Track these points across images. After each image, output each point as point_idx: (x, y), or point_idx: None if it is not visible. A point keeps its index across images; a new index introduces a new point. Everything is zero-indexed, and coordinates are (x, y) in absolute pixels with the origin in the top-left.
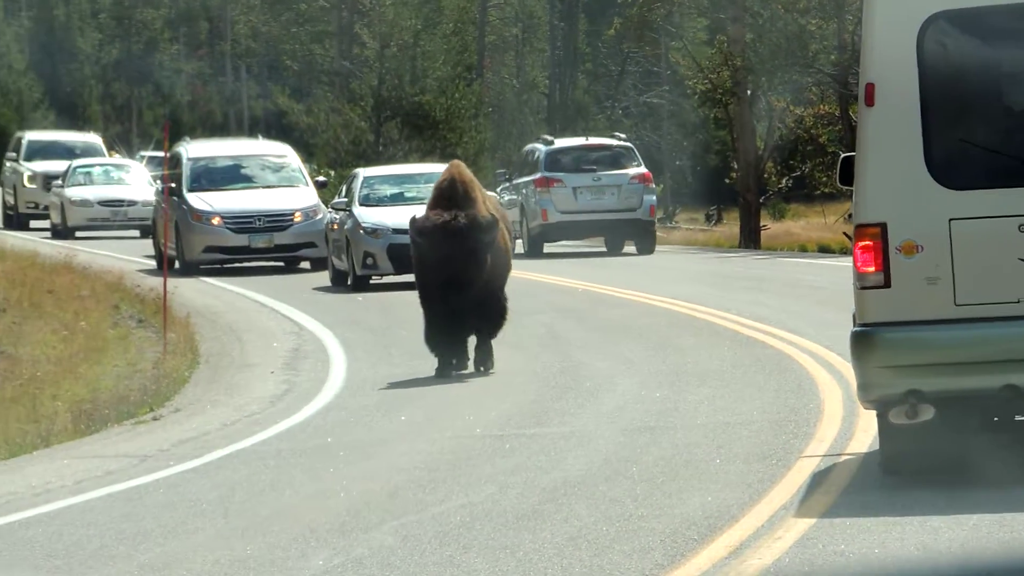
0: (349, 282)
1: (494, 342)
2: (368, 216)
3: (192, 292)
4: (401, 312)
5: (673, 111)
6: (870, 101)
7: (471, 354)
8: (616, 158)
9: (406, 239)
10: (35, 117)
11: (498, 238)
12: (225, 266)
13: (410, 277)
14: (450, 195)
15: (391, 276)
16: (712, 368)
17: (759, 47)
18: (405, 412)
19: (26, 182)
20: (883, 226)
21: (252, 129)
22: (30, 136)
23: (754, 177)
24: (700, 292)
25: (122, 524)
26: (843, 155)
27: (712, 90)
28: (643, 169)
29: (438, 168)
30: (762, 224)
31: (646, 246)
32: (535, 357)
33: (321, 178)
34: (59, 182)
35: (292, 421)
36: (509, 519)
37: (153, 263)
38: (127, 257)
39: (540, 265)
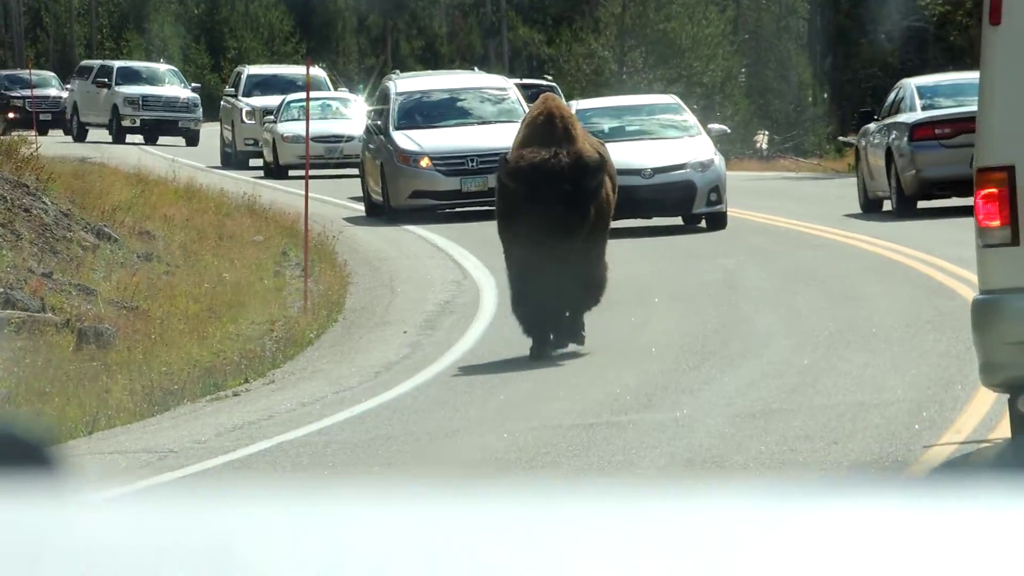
0: None
1: (660, 296)
2: None
3: (368, 235)
4: None
5: (940, 35)
6: (996, 18)
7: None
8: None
9: (622, 180)
10: (285, 50)
11: (604, 188)
12: (437, 212)
13: (629, 223)
14: (547, 132)
15: None
16: (883, 325)
17: None
18: (508, 390)
19: (244, 118)
20: (1010, 170)
21: (512, 62)
22: (250, 70)
23: None
24: (909, 231)
25: None
26: None
27: (952, 12)
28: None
29: (662, 99)
30: None
31: None
32: (696, 312)
33: None
34: (271, 117)
35: (378, 400)
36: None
37: (358, 206)
38: (330, 199)
39: (743, 201)
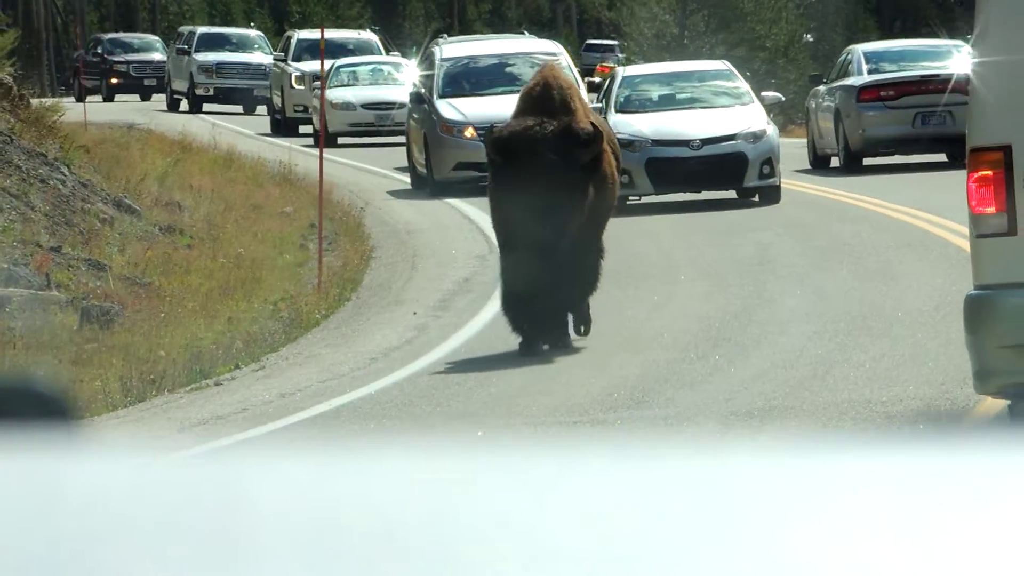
0: None
1: (690, 271)
2: (624, 125)
3: (402, 207)
4: (629, 242)
5: None
6: None
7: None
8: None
9: (668, 152)
10: (350, 15)
11: (602, 164)
12: (482, 184)
13: (676, 197)
14: (542, 103)
15: (651, 196)
16: (911, 308)
17: None
18: (502, 382)
19: (293, 83)
20: (1007, 150)
21: (581, 26)
22: (300, 34)
23: None
24: (958, 202)
25: None
26: None
27: None
28: None
29: (713, 65)
30: None
31: None
32: (720, 292)
33: (596, 78)
34: (319, 83)
35: (362, 392)
36: None
37: (403, 177)
38: (376, 169)
39: (792, 170)
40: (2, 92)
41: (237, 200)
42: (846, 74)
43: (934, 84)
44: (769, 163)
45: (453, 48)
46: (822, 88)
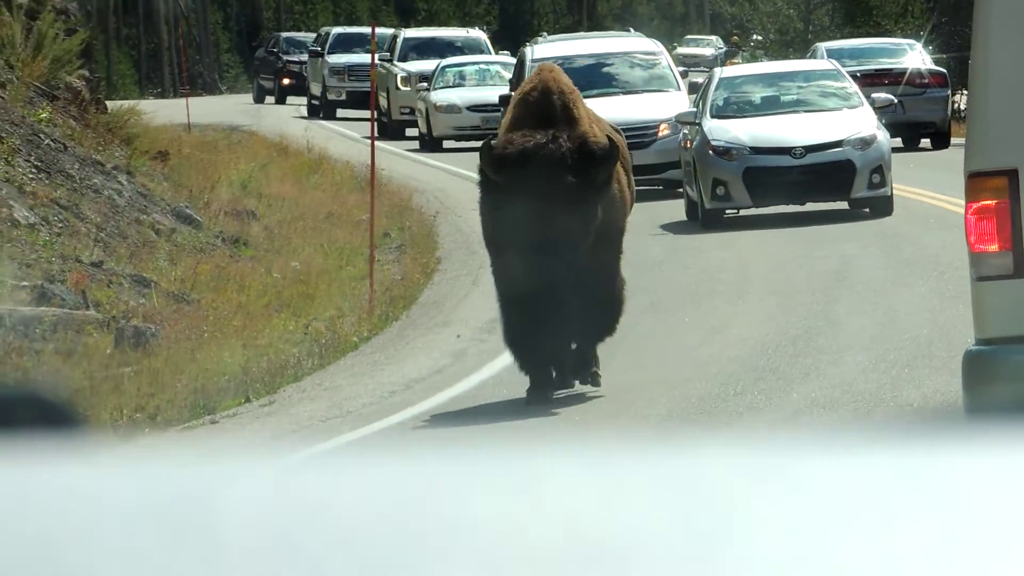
0: (700, 215)
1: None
2: (720, 131)
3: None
4: (706, 254)
5: None
6: None
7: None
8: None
9: (768, 160)
10: (477, 12)
11: (612, 182)
12: None
13: (773, 210)
14: (542, 111)
15: (748, 209)
16: None
17: None
18: (511, 425)
19: (399, 84)
20: (1012, 174)
21: (713, 20)
22: (406, 33)
23: None
24: None
25: None
26: None
27: None
28: None
29: (819, 65)
30: None
31: None
32: (786, 312)
33: (698, 79)
34: (424, 84)
35: (359, 433)
36: None
37: None
38: (474, 175)
39: (906, 175)
40: (70, 97)
41: (312, 208)
42: None
43: (888, 78)
44: (879, 172)
45: (546, 48)
46: None
